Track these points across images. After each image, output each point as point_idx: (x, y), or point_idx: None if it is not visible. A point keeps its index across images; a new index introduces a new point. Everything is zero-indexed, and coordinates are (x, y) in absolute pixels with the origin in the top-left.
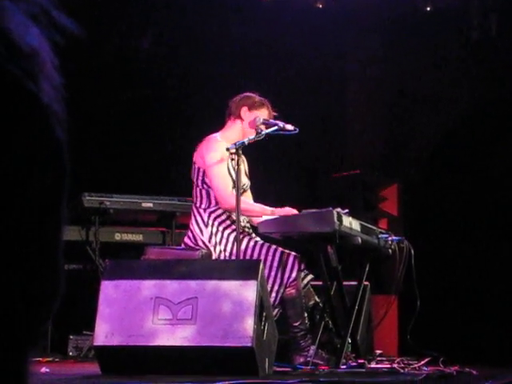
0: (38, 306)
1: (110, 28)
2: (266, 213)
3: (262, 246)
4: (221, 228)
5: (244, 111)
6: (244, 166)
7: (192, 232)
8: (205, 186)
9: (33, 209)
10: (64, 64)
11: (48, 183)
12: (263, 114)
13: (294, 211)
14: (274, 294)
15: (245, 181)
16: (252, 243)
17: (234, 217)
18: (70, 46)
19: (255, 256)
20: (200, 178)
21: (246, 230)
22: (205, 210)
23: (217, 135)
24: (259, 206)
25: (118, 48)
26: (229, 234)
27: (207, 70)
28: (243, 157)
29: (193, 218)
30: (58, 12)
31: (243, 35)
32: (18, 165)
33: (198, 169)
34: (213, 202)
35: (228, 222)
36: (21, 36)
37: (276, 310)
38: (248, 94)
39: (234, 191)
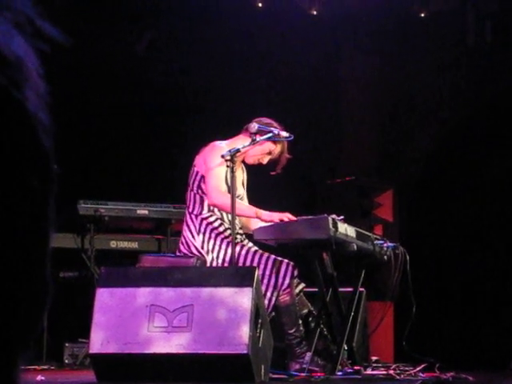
0: (27, 312)
1: (106, 31)
2: (250, 213)
3: (255, 253)
4: (213, 235)
5: (252, 128)
6: (242, 176)
7: (185, 238)
8: (199, 191)
9: (19, 215)
10: (58, 71)
11: (34, 190)
12: (276, 148)
13: (283, 215)
14: (266, 302)
15: (240, 191)
16: (244, 251)
17: (226, 224)
18: (62, 53)
19: (248, 263)
20: (196, 182)
21: (239, 236)
22: (196, 216)
23: (223, 143)
24: (244, 205)
25: (111, 54)
26: (221, 242)
27: (201, 76)
28: (244, 167)
29: (185, 224)
30: (42, 21)
31: (237, 41)
32: (4, 172)
33: (197, 172)
34: (205, 208)
35: (220, 229)
36: (6, 45)
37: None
38: (275, 124)
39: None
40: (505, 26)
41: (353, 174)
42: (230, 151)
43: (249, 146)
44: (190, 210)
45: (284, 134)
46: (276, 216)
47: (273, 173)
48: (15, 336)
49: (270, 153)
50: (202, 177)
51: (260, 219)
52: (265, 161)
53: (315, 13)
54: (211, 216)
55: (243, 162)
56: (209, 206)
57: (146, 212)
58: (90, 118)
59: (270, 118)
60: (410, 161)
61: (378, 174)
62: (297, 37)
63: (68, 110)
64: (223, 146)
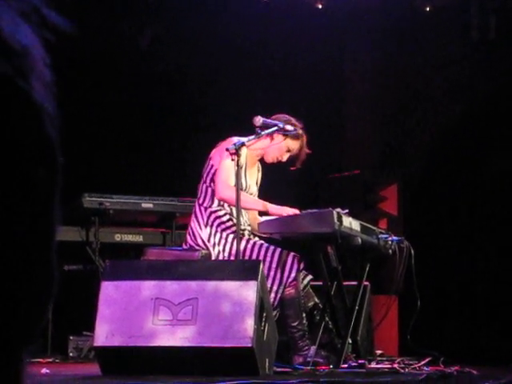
0: (31, 306)
1: (109, 26)
2: (257, 206)
3: (261, 246)
4: (219, 229)
5: (278, 133)
6: (257, 175)
7: (192, 229)
8: (212, 184)
9: (24, 206)
10: (65, 63)
11: (39, 180)
12: (294, 145)
13: (288, 210)
14: (272, 295)
15: (253, 189)
16: (251, 244)
17: (234, 220)
18: (71, 45)
19: (254, 257)
20: (210, 175)
21: (247, 232)
22: (206, 208)
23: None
24: (252, 199)
25: (116, 46)
26: (227, 235)
27: (204, 71)
28: (259, 166)
29: (194, 215)
30: (48, 10)
31: (242, 34)
32: (9, 162)
33: (212, 166)
34: (215, 202)
35: (228, 224)
36: (12, 34)
37: (275, 312)
38: (293, 121)
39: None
40: (509, 20)
41: (357, 167)
42: (234, 144)
43: (253, 139)
44: (201, 201)
45: (289, 127)
46: (285, 210)
47: (292, 168)
48: (18, 333)
49: (289, 150)
50: (216, 171)
51: (268, 212)
52: (284, 158)
53: (320, 7)
54: (220, 210)
55: (260, 160)
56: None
57: (151, 205)
58: (95, 111)
59: (288, 115)
60: (415, 155)
61: (382, 168)
62: (302, 31)
63: (73, 103)
64: None
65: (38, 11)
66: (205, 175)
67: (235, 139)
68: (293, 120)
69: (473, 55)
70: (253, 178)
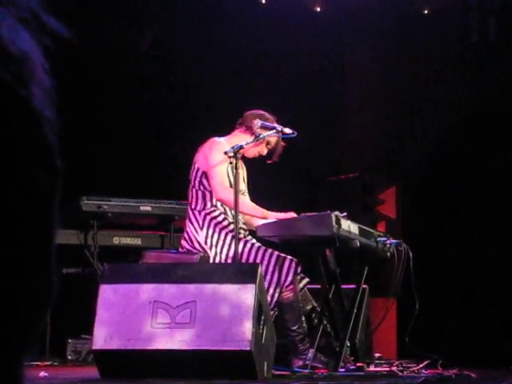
0: (30, 310)
1: (109, 28)
2: (256, 213)
3: (258, 249)
4: (217, 229)
5: (256, 124)
6: (243, 172)
7: (188, 234)
8: (201, 187)
9: (24, 210)
10: (63, 66)
11: (39, 185)
12: (273, 138)
13: (288, 215)
14: (269, 298)
15: (242, 187)
16: (248, 247)
17: (229, 219)
18: (68, 49)
19: (251, 259)
20: (198, 178)
21: (242, 232)
22: (200, 212)
23: (222, 139)
24: (251, 205)
25: (115, 50)
26: (225, 236)
27: (204, 73)
28: (242, 163)
29: (188, 220)
30: (48, 16)
31: (241, 38)
32: (9, 167)
33: (198, 169)
34: (208, 203)
35: (224, 224)
36: (11, 41)
37: (271, 313)
38: (266, 114)
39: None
40: (508, 23)
41: (356, 170)
42: (233, 148)
43: (252, 142)
44: (193, 206)
45: (287, 130)
46: (282, 217)
47: (269, 161)
48: (16, 335)
49: (268, 143)
50: (204, 173)
51: (266, 220)
52: (264, 152)
53: (319, 9)
54: (215, 211)
55: (242, 157)
56: (211, 200)
57: (149, 208)
58: (93, 115)
59: (261, 110)
60: (414, 158)
61: (381, 171)
62: (300, 33)
63: (72, 106)
64: (223, 142)
65: (37, 17)
66: (192, 179)
67: (217, 139)
68: (266, 114)
69: (473, 56)
70: (239, 175)
